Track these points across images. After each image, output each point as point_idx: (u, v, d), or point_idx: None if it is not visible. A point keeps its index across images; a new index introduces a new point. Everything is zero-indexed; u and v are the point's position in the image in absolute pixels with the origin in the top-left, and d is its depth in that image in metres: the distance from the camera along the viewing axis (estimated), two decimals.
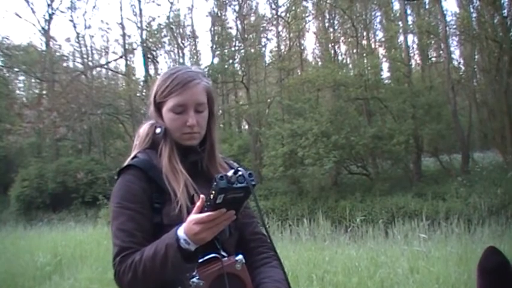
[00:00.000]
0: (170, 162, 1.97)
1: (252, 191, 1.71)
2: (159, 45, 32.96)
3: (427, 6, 29.73)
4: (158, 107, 2.06)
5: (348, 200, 20.47)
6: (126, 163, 2.02)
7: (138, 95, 32.05)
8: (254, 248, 2.10)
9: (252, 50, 29.90)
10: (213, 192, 1.65)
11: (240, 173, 1.67)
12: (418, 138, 23.41)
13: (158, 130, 2.03)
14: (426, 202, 18.81)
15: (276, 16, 29.92)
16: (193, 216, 1.71)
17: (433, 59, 31.13)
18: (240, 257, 1.91)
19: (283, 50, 31.02)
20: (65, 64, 34.80)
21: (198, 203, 1.72)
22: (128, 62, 34.32)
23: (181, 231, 1.73)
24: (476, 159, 24.57)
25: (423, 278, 6.62)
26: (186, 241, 1.72)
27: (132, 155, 2.06)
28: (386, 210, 18.89)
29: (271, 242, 1.99)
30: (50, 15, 31.78)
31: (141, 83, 32.87)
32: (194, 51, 34.24)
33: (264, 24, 31.24)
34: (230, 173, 1.67)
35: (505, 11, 23.76)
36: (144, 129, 2.11)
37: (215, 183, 1.64)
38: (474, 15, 26.51)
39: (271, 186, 23.61)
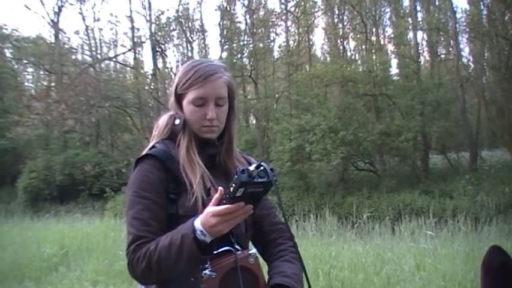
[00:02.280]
0: (188, 154, 1.98)
1: (274, 185, 1.71)
2: (168, 39, 32.92)
3: (436, 3, 29.56)
4: (179, 98, 2.07)
5: (355, 196, 20.43)
6: (144, 152, 2.02)
7: (146, 88, 32.05)
8: (273, 239, 2.11)
9: (261, 45, 29.83)
10: (233, 185, 1.64)
11: (262, 167, 1.67)
12: (426, 135, 23.35)
13: (177, 121, 2.04)
14: (433, 199, 18.77)
15: (285, 11, 29.85)
16: (211, 209, 1.70)
17: (442, 56, 31.00)
18: (253, 250, 1.92)
19: (291, 45, 30.93)
20: (73, 57, 34.87)
21: (216, 195, 1.71)
22: (137, 55, 34.37)
23: (197, 223, 1.73)
24: (484, 157, 24.49)
25: (429, 275, 6.61)
26: (202, 233, 1.72)
27: (150, 145, 2.06)
28: (393, 207, 18.85)
29: (290, 233, 1.99)
30: (59, 8, 31.87)
31: (150, 77, 32.85)
32: (203, 45, 34.17)
33: (273, 19, 31.15)
34: (252, 167, 1.66)
35: None
36: (163, 119, 2.11)
37: (236, 177, 1.63)
38: (484, 12, 26.38)
39: (278, 181, 23.51)
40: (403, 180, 22.02)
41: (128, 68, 36.33)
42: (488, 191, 18.18)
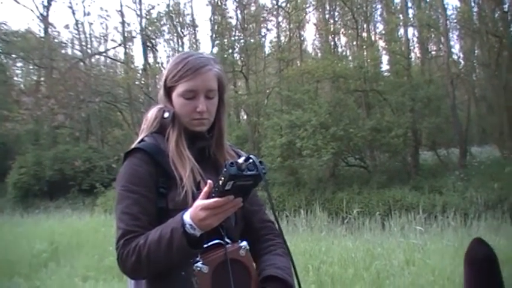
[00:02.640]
0: (177, 147, 1.96)
1: (263, 178, 1.70)
2: (159, 34, 32.87)
3: (427, 0, 29.66)
4: (168, 91, 2.05)
5: (345, 192, 20.49)
6: (132, 146, 2.00)
7: (136, 83, 31.98)
8: (262, 235, 2.10)
9: (252, 40, 29.83)
10: (223, 178, 1.63)
11: (251, 160, 1.66)
12: (417, 131, 23.43)
13: (166, 114, 2.01)
14: (423, 195, 18.85)
15: (276, 6, 29.85)
16: (200, 202, 1.69)
17: (433, 52, 31.10)
18: (244, 243, 1.91)
19: (283, 41, 30.96)
20: (63, 51, 34.61)
21: (206, 189, 1.70)
22: (127, 50, 34.23)
23: (187, 216, 1.72)
24: (474, 154, 24.60)
25: (419, 270, 6.64)
26: (191, 226, 1.71)
27: (139, 139, 2.04)
28: (383, 202, 18.93)
29: (279, 229, 1.98)
30: (49, 2, 31.69)
31: (140, 72, 32.78)
32: (194, 40, 34.06)
33: (264, 15, 31.15)
34: (241, 160, 1.66)
35: (506, 5, 23.74)
36: (152, 113, 2.09)
37: (225, 170, 1.62)
38: (475, 9, 26.49)
39: (268, 176, 23.51)
40: (394, 176, 22.09)
41: (119, 63, 36.25)
42: (478, 187, 18.28)
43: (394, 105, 23.53)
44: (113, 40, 35.48)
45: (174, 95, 2.02)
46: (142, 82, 31.55)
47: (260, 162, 1.68)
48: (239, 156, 2.10)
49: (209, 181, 1.71)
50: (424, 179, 21.24)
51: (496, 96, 23.61)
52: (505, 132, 22.46)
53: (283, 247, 2.02)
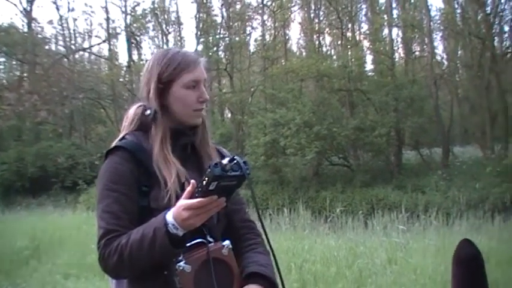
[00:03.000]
0: (162, 151, 1.93)
1: (248, 179, 1.70)
2: (143, 31, 32.76)
3: (412, 1, 29.83)
4: (164, 87, 1.99)
5: (329, 191, 20.57)
6: (113, 144, 1.97)
7: (120, 80, 31.85)
8: (243, 234, 2.09)
9: (237, 39, 29.84)
10: (206, 178, 1.62)
11: (235, 161, 1.66)
12: (400, 131, 23.58)
13: (148, 112, 1.98)
14: (406, 194, 18.98)
15: (261, 5, 29.84)
16: (183, 202, 1.67)
17: (417, 53, 31.27)
18: (226, 242, 1.89)
19: (267, 39, 30.94)
20: (47, 47, 34.35)
21: (189, 188, 1.69)
22: (111, 47, 34.15)
23: (169, 216, 1.70)
24: (456, 154, 24.82)
25: (401, 269, 6.67)
26: (174, 226, 1.69)
27: (120, 136, 2.01)
28: (366, 201, 19.02)
29: (263, 227, 1.98)
30: None
31: (124, 68, 32.63)
32: (178, 38, 34.05)
33: (250, 13, 31.17)
34: (225, 160, 1.65)
35: (489, 8, 23.95)
36: (133, 110, 2.06)
37: (209, 170, 1.61)
38: (458, 11, 26.71)
39: (252, 175, 23.52)
40: (377, 175, 22.22)
41: (103, 60, 36.10)
42: (460, 186, 18.44)
43: (378, 105, 23.66)
44: (97, 36, 35.48)
45: (175, 88, 1.97)
46: (127, 79, 31.43)
47: (244, 162, 1.68)
48: (221, 154, 2.10)
49: (192, 181, 1.70)
50: (406, 178, 21.38)
51: (479, 96, 23.80)
52: (487, 133, 22.65)
53: (264, 246, 2.03)
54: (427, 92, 24.31)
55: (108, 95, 31.74)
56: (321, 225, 12.50)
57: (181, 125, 2.00)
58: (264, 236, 2.01)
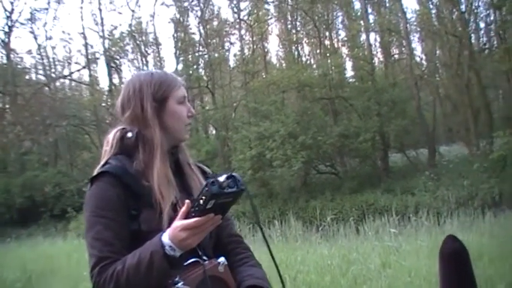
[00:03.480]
0: (163, 170, 1.92)
1: (247, 192, 1.71)
2: (122, 54, 32.77)
3: (387, 5, 30.09)
4: (159, 105, 2.00)
5: (318, 200, 20.57)
6: (97, 170, 1.94)
7: (103, 105, 31.76)
8: (232, 249, 2.07)
9: (216, 55, 29.93)
10: (204, 197, 1.61)
11: (231, 177, 1.66)
12: (384, 134, 23.66)
13: (129, 134, 1.97)
14: (395, 197, 19.03)
15: (238, 20, 29.96)
16: (180, 223, 1.66)
17: (396, 56, 31.47)
18: (222, 259, 1.88)
19: (247, 54, 31.04)
20: (27, 76, 34.36)
21: (184, 209, 1.68)
22: (92, 72, 34.08)
23: (166, 238, 1.69)
24: (442, 153, 24.93)
25: (395, 272, 6.67)
26: (171, 248, 1.67)
27: (102, 162, 1.98)
28: (356, 207, 19.05)
29: (264, 238, 1.99)
30: (10, 28, 31.35)
31: (106, 93, 32.57)
32: (158, 58, 34.02)
33: (227, 29, 31.35)
34: (222, 178, 1.64)
35: (463, 6, 24.19)
36: (113, 134, 2.04)
37: (206, 189, 1.60)
38: (434, 11, 26.95)
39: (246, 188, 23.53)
40: (365, 181, 22.26)
41: (84, 85, 36.02)
42: (448, 185, 18.50)
43: (361, 111, 23.76)
44: (76, 63, 35.25)
45: (171, 104, 1.99)
46: (109, 103, 31.35)
47: (241, 178, 1.69)
48: (203, 171, 2.10)
49: (187, 201, 1.69)
50: (395, 181, 21.45)
51: (460, 94, 23.95)
52: (471, 130, 22.78)
53: (255, 259, 2.03)
54: (408, 94, 24.45)
55: (91, 121, 31.68)
56: (312, 234, 12.46)
57: (174, 141, 2.01)
58: (266, 247, 2.01)
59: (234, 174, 1.67)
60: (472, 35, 25.85)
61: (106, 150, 2.03)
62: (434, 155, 23.49)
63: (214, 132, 31.17)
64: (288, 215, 15.07)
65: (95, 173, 1.93)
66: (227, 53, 31.92)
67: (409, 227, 11.50)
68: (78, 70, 35.26)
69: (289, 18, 30.75)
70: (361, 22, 27.72)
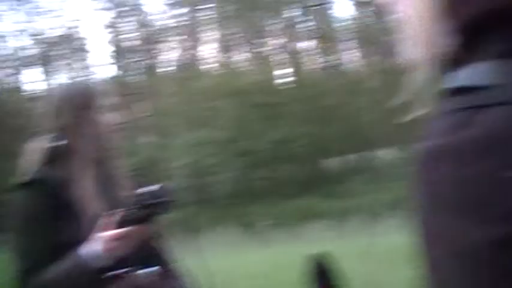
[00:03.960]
0: (85, 180, 1.88)
1: (172, 204, 1.67)
2: (51, 61, 32.03)
3: (319, 12, 30.47)
4: (83, 114, 1.97)
5: (256, 206, 20.56)
6: (25, 177, 1.89)
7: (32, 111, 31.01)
8: (159, 260, 2.01)
9: (151, 61, 29.65)
10: (133, 207, 1.57)
11: (160, 188, 1.61)
12: (322, 139, 23.88)
13: (58, 143, 1.90)
14: (332, 202, 19.22)
15: (173, 27, 29.77)
16: (110, 232, 1.62)
17: (330, 62, 31.87)
18: (151, 268, 1.83)
19: (182, 60, 30.85)
20: None
21: (111, 219, 1.62)
22: (21, 77, 33.11)
23: (96, 247, 1.66)
24: (377, 157, 25.36)
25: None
26: (99, 257, 1.62)
27: (31, 170, 1.92)
28: (293, 213, 19.11)
29: (198, 247, 1.93)
30: None
31: (36, 99, 31.83)
32: (92, 64, 33.45)
33: (162, 35, 31.04)
34: (151, 188, 1.61)
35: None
36: (41, 142, 1.99)
37: (137, 199, 1.56)
38: (367, 19, 27.48)
39: (177, 197, 23.32)
40: (303, 186, 22.41)
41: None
42: (385, 188, 18.81)
43: (297, 116, 23.91)
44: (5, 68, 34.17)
45: (92, 114, 2.00)
46: (37, 109, 30.61)
47: (167, 189, 1.65)
48: (133, 181, 2.09)
49: (115, 210, 1.64)
50: (331, 185, 21.70)
51: (391, 100, 24.39)
52: (404, 135, 23.23)
53: (181, 271, 2.01)
54: (343, 100, 24.80)
55: (24, 128, 30.84)
56: (250, 240, 12.47)
57: (100, 151, 1.97)
58: (198, 255, 1.98)
59: (162, 184, 1.64)
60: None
61: (34, 158, 1.96)
62: (370, 160, 23.88)
63: (149, 139, 30.85)
64: (226, 221, 15.04)
65: (23, 180, 1.85)
66: (163, 59, 31.67)
67: (345, 230, 11.63)
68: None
69: (223, 26, 30.76)
70: (295, 29, 27.99)
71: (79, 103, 1.95)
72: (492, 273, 0.48)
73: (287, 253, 9.10)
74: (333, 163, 26.26)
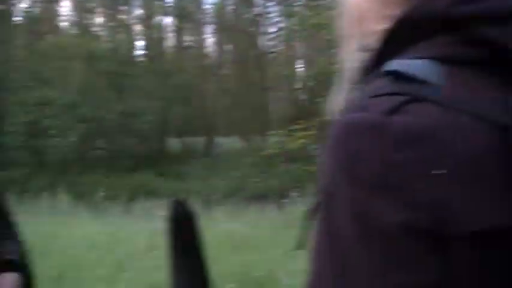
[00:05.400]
0: None
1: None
2: None
3: None
4: None
5: (91, 175, 20.15)
6: None
7: None
8: None
9: (1, 7, 27.85)
10: None
11: None
12: (166, 118, 23.88)
13: None
14: (168, 181, 19.31)
15: None
16: None
17: (188, 43, 31.88)
18: None
19: (35, 12, 29.31)
20: None
21: None
22: None
23: None
24: (219, 144, 25.77)
25: (163, 254, 6.79)
26: None
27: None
28: (128, 187, 18.97)
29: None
30: None
31: None
32: None
33: None
34: None
35: (259, 8, 25.27)
36: None
37: None
38: (231, 7, 27.80)
39: (11, 156, 22.24)
40: (140, 162, 22.28)
41: None
42: (220, 175, 19.22)
43: (146, 91, 23.71)
44: None
45: None
46: None
47: None
48: None
49: None
50: (169, 165, 21.76)
51: (243, 91, 24.99)
52: (247, 126, 23.89)
53: (13, 233, 1.96)
54: (194, 83, 24.94)
55: None
56: (82, 210, 12.23)
57: None
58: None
59: None
60: (263, 37, 27.04)
61: None
62: (211, 145, 24.24)
63: None
64: (58, 187, 14.61)
65: None
66: (13, 8, 29.84)
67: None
68: None
69: None
70: (159, 2, 27.70)
71: None
72: (398, 257, 0.51)
73: (120, 227, 9.10)
74: (173, 143, 26.31)
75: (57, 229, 8.43)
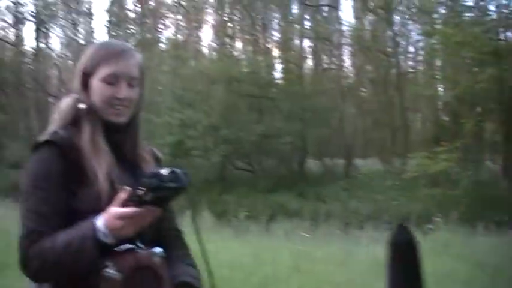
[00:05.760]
0: (92, 141, 1.79)
1: (188, 191, 1.63)
2: (53, 19, 31.66)
3: (324, 14, 30.46)
4: (86, 78, 1.85)
5: (232, 195, 20.57)
6: (42, 138, 1.79)
7: (26, 67, 30.65)
8: (171, 243, 1.96)
9: (149, 35, 29.44)
10: (142, 188, 1.54)
11: (174, 173, 1.58)
12: (305, 140, 23.97)
13: (82, 105, 1.83)
14: (308, 202, 19.27)
15: (176, 4, 29.61)
16: (116, 210, 1.55)
17: (326, 65, 31.93)
18: (158, 249, 1.79)
19: (180, 39, 30.71)
20: None
21: (122, 195, 1.58)
22: (19, 32, 32.70)
23: (100, 223, 1.59)
24: (358, 166, 25.47)
25: (305, 276, 6.74)
26: (104, 234, 1.58)
27: (50, 130, 1.83)
28: (268, 207, 19.14)
29: (198, 237, 1.89)
30: None
31: (31, 56, 31.44)
32: (89, 29, 33.14)
33: (163, 11, 30.85)
34: (163, 171, 1.56)
35: (396, 28, 24.85)
36: (66, 102, 1.88)
37: (145, 180, 1.53)
38: (368, 27, 27.54)
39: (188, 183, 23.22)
40: (280, 182, 22.46)
41: (8, 45, 34.50)
42: (360, 197, 18.91)
43: (285, 113, 23.95)
44: (3, 20, 33.71)
45: (95, 80, 1.82)
46: (32, 67, 30.26)
47: (185, 174, 1.61)
48: (155, 156, 2.02)
49: (127, 188, 1.61)
50: (309, 186, 21.73)
51: (381, 111, 24.59)
52: (387, 147, 23.44)
53: (192, 258, 1.97)
54: (333, 104, 24.88)
55: (12, 82, 30.36)
56: (223, 229, 12.44)
57: (105, 120, 1.84)
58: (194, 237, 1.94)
59: (176, 170, 1.60)
60: (402, 56, 26.56)
61: (55, 119, 1.89)
62: (349, 167, 24.00)
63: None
64: (201, 206, 14.99)
65: (41, 140, 1.81)
66: (160, 36, 31.48)
67: (319, 233, 11.65)
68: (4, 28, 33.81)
69: (227, 11, 30.67)
70: (297, 26, 28.00)
71: (86, 65, 1.84)
72: None
73: (262, 247, 9.11)
74: (312, 165, 26.32)
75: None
